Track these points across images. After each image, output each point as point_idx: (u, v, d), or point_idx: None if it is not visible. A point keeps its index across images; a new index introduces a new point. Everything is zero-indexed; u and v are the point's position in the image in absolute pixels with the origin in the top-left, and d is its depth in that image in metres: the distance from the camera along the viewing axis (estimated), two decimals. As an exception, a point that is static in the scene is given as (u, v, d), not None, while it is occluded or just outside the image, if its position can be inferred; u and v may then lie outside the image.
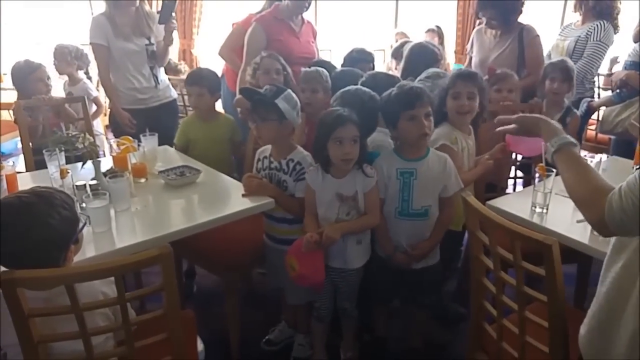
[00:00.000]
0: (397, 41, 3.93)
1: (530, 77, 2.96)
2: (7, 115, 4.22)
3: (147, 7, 2.99)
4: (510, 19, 2.97)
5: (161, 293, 1.26)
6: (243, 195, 2.02)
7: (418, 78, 2.41)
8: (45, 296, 1.22)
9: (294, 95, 1.99)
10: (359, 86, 2.19)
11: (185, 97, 3.61)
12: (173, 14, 2.88)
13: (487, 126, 2.37)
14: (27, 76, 2.82)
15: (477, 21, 3.26)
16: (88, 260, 1.54)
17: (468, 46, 3.33)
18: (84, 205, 1.74)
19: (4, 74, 4.36)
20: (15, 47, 5.69)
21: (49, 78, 2.92)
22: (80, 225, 1.36)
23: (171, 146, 2.67)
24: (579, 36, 3.13)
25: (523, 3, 3.00)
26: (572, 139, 1.27)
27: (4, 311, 1.13)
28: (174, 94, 3.20)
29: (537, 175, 1.85)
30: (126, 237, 1.77)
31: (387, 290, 2.10)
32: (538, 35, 3.01)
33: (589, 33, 3.08)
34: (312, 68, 2.49)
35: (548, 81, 2.77)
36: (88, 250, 1.62)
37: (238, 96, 2.66)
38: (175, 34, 2.94)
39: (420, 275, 2.02)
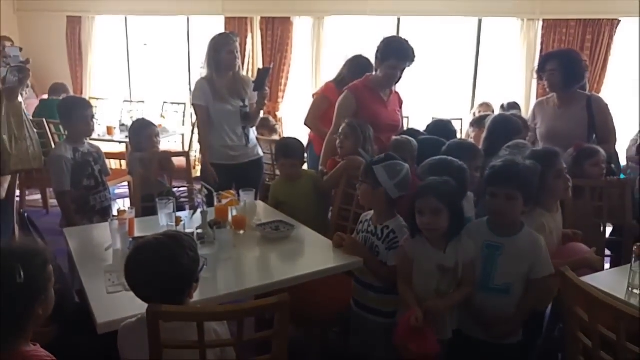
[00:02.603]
0: (479, 112, 4.04)
1: (606, 146, 2.92)
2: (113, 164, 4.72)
3: (242, 73, 3.34)
4: (572, 80, 2.97)
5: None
6: (335, 246, 2.14)
7: (501, 150, 2.46)
8: (174, 327, 1.36)
9: (400, 168, 2.06)
10: (447, 157, 2.25)
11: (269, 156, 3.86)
12: (266, 82, 3.18)
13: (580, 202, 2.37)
14: (141, 133, 3.16)
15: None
16: (194, 304, 1.69)
17: (529, 118, 3.30)
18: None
19: (114, 128, 4.86)
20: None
21: (158, 135, 3.25)
22: (201, 265, 1.52)
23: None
24: None
25: (586, 75, 3.02)
26: None
27: None
28: (261, 152, 3.46)
29: (634, 255, 1.82)
30: (227, 284, 1.93)
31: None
32: (607, 105, 3.01)
33: None
34: (403, 137, 2.64)
35: None
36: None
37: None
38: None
39: (500, 353, 1.97)
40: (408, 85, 3.58)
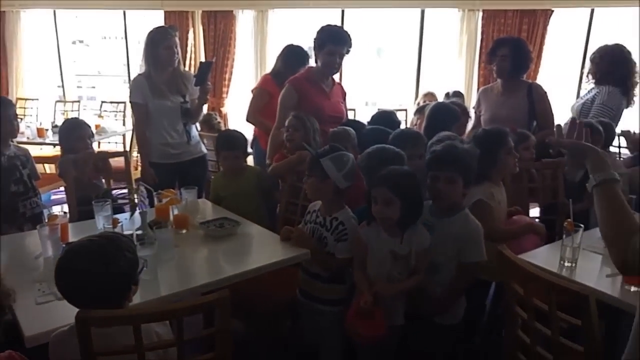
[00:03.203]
0: (424, 102, 4.10)
1: (545, 132, 3.08)
2: (44, 168, 4.47)
3: (182, 68, 3.23)
4: (519, 68, 3.11)
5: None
6: (282, 240, 2.11)
7: (430, 141, 2.46)
8: (106, 332, 1.29)
9: (347, 159, 2.05)
10: (384, 145, 2.25)
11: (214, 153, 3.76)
12: (208, 76, 3.09)
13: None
14: (72, 134, 3.00)
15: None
16: (134, 307, 1.62)
17: (474, 105, 3.44)
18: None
19: (46, 130, 4.60)
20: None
21: (91, 135, 3.10)
22: (140, 267, 1.46)
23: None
24: (587, 99, 3.28)
25: (531, 65, 3.18)
26: (617, 176, 1.25)
27: None
28: (204, 149, 3.37)
29: (564, 230, 1.92)
30: (169, 285, 1.84)
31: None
32: (546, 92, 3.17)
33: (595, 96, 3.22)
34: (340, 127, 2.63)
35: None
36: (134, 297, 1.70)
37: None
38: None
39: (442, 333, 2.02)
40: (353, 77, 3.58)
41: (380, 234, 1.93)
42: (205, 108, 3.67)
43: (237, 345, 2.66)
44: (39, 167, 4.56)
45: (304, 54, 3.48)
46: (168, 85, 3.10)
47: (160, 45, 3.02)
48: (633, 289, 1.69)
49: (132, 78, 3.16)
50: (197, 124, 3.41)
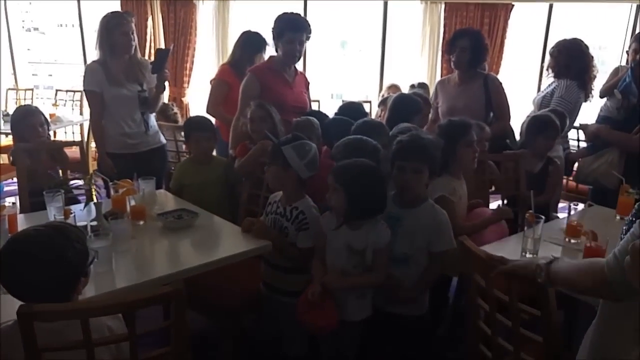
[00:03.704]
0: (388, 94, 4.10)
1: (500, 123, 3.16)
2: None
3: (139, 56, 3.12)
4: (477, 61, 3.15)
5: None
6: (243, 231, 2.07)
7: (391, 132, 2.47)
8: (53, 327, 1.23)
9: (309, 148, 2.03)
10: (362, 137, 2.24)
11: (179, 143, 3.67)
12: (166, 64, 3.00)
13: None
14: (23, 121, 2.87)
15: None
16: (84, 300, 1.56)
17: (432, 96, 3.45)
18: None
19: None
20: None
21: (44, 123, 2.97)
22: (90, 259, 1.39)
23: (160, 190, 2.72)
24: (547, 92, 3.35)
25: (487, 57, 3.22)
26: (550, 257, 1.32)
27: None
28: (163, 139, 3.28)
29: (526, 222, 1.95)
30: (126, 277, 1.79)
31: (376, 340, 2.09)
32: (501, 83, 3.22)
33: (554, 89, 3.29)
34: (303, 117, 2.60)
35: (542, 138, 2.82)
36: (88, 290, 1.63)
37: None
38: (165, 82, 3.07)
39: (406, 325, 2.01)
40: (318, 70, 3.54)
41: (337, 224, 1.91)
42: (166, 97, 3.58)
43: (199, 339, 2.67)
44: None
45: (261, 40, 3.41)
46: (125, 73, 2.99)
47: (115, 31, 2.90)
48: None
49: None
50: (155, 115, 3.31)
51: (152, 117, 3.18)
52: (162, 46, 5.27)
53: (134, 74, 3.01)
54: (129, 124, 3.01)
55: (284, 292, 2.09)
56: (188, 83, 5.41)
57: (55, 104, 5.20)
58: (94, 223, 1.98)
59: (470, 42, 3.09)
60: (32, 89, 5.53)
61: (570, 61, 3.25)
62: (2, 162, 4.28)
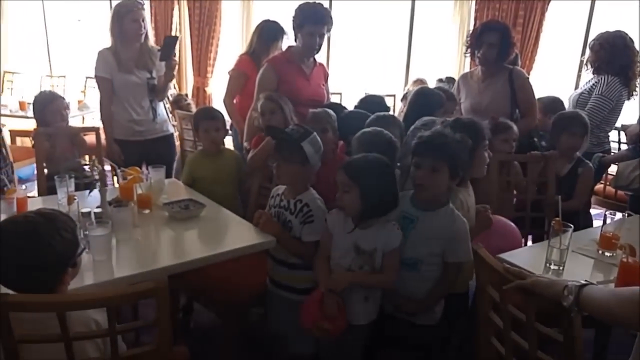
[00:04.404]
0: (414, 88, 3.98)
1: (527, 120, 2.94)
2: (27, 142, 4.38)
3: (150, 43, 3.11)
4: (505, 55, 2.92)
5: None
6: (254, 224, 2.02)
7: (413, 125, 2.31)
8: (36, 317, 1.21)
9: (318, 139, 1.96)
10: (377, 129, 2.14)
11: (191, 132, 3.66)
12: (174, 51, 2.99)
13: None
14: (46, 106, 2.92)
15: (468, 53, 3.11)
16: (86, 288, 1.54)
17: (454, 92, 3.21)
18: (87, 232, 1.75)
19: (28, 103, 4.51)
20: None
21: (66, 108, 3.01)
22: (79, 250, 1.37)
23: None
24: (584, 89, 3.15)
25: (515, 52, 3.02)
26: (582, 281, 1.15)
27: None
28: (172, 129, 3.28)
29: (552, 230, 1.77)
30: (125, 267, 1.77)
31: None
32: (528, 78, 3.01)
33: (593, 87, 3.09)
34: (320, 109, 2.53)
35: (566, 135, 2.65)
36: (87, 277, 1.62)
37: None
38: (190, 72, 3.05)
39: (418, 334, 1.91)
40: (342, 62, 3.45)
41: (347, 222, 1.81)
42: (190, 86, 3.55)
43: (204, 336, 2.65)
44: (21, 140, 4.49)
45: (278, 29, 3.33)
46: (135, 60, 3.00)
47: (126, 18, 2.91)
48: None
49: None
50: (168, 106, 3.30)
51: (161, 106, 3.18)
52: (189, 36, 5.29)
53: (144, 62, 3.02)
54: (137, 111, 3.03)
55: (287, 288, 2.03)
56: (212, 73, 5.41)
57: (83, 91, 5.29)
58: (98, 210, 1.98)
59: (500, 38, 2.86)
60: (64, 76, 5.65)
61: (612, 56, 3.03)
62: (27, 146, 4.39)
